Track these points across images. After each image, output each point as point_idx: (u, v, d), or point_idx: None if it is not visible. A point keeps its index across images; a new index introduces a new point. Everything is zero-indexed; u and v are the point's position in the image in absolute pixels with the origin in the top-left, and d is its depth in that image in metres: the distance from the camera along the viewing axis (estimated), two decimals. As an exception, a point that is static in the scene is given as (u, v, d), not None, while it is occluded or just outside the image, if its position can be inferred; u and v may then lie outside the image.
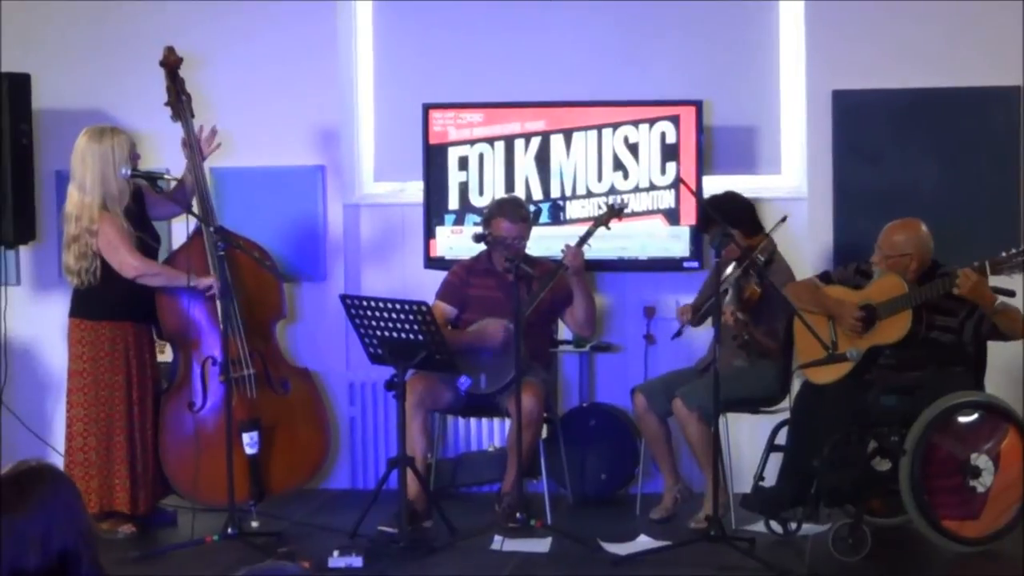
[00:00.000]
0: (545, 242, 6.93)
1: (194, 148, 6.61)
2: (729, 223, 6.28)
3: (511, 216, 6.72)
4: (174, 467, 6.56)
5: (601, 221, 6.63)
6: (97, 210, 6.33)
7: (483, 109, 7.24)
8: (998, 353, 6.25)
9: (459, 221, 7.22)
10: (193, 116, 6.65)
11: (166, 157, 6.91)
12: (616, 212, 6.65)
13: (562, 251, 6.61)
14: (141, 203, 6.54)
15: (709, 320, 6.33)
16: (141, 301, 6.48)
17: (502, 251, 6.59)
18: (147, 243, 6.50)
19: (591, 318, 6.83)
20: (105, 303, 6.43)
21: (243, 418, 6.48)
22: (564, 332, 7.22)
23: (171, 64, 6.67)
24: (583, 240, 6.59)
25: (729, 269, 6.37)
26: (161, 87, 6.66)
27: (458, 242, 7.13)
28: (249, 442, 6.48)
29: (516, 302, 6.23)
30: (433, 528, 6.46)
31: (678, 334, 6.66)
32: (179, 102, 6.64)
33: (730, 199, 6.69)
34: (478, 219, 6.94)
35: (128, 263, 6.37)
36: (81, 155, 6.37)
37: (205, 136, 6.65)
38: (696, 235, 7.02)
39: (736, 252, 6.34)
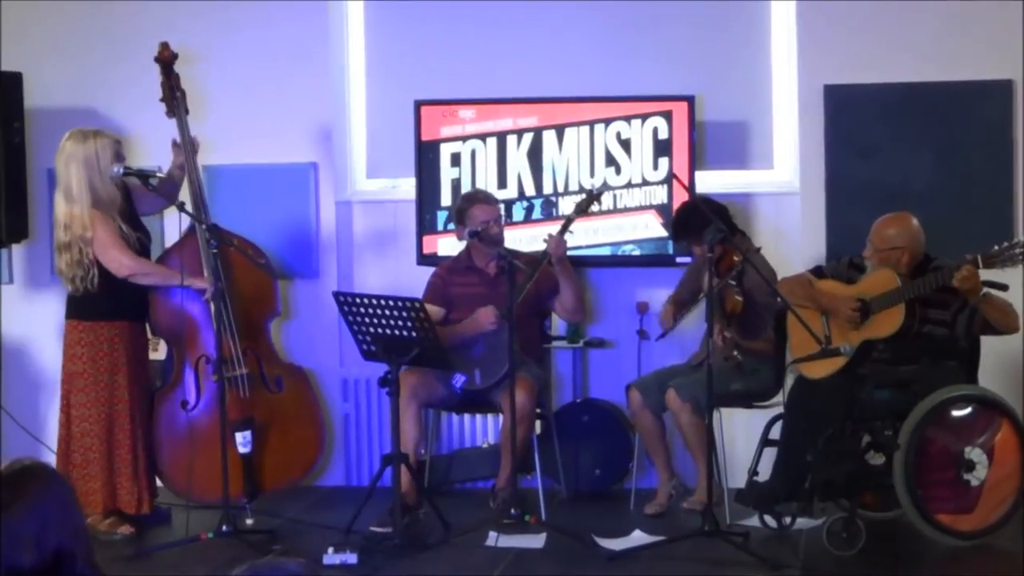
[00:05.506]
0: (539, 238, 6.91)
1: (187, 145, 6.59)
2: (699, 234, 6.20)
3: (484, 199, 6.80)
4: (167, 465, 6.56)
5: (581, 207, 6.61)
6: (88, 215, 6.29)
7: (475, 105, 7.23)
8: (991, 347, 6.25)
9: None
10: (188, 112, 6.64)
11: (161, 155, 6.87)
12: (594, 197, 6.62)
13: (544, 241, 6.61)
14: (129, 201, 6.52)
15: (690, 313, 6.40)
16: (137, 300, 6.47)
17: (490, 245, 6.61)
18: (144, 243, 6.49)
19: (579, 304, 6.84)
20: (102, 305, 6.38)
21: (236, 417, 6.47)
22: (558, 328, 7.22)
23: (165, 60, 6.64)
24: (564, 228, 6.57)
25: (705, 280, 6.27)
26: (153, 84, 6.64)
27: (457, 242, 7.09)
28: (242, 441, 6.46)
29: (510, 297, 6.23)
30: (427, 524, 6.46)
31: (663, 336, 6.65)
32: (173, 98, 6.63)
33: (692, 211, 6.48)
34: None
35: (120, 262, 6.34)
36: (65, 160, 6.32)
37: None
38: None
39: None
